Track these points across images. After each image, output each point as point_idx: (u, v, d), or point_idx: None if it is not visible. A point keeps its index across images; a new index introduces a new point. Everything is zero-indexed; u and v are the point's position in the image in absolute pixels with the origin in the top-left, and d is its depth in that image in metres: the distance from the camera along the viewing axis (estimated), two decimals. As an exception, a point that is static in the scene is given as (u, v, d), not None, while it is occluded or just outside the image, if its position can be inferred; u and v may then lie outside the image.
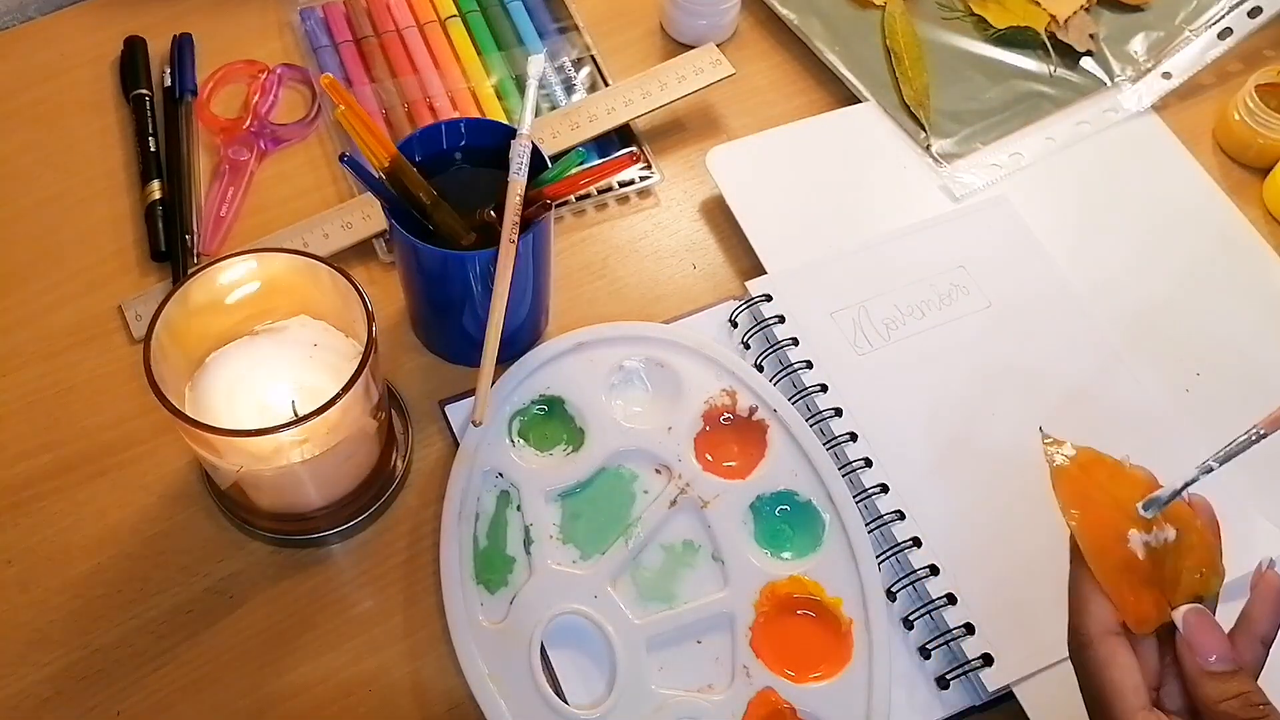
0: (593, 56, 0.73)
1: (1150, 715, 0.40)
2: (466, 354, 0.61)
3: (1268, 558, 0.43)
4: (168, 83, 0.70)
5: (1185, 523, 0.44)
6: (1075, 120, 0.72)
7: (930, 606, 0.54)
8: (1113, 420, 0.60)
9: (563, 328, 0.62)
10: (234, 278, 0.51)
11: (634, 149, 0.69)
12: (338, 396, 0.47)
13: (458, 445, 0.58)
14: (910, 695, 0.53)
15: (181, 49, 0.71)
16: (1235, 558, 0.44)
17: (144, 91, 0.69)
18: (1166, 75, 0.73)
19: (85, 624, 0.54)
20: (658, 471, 0.58)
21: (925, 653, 0.54)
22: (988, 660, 0.53)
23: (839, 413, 0.59)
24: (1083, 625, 0.43)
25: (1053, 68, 0.74)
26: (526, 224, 0.53)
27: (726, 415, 0.60)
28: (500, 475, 0.57)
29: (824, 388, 0.60)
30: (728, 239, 0.67)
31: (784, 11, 0.75)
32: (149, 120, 0.68)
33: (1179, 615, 0.42)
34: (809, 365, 0.61)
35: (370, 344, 0.49)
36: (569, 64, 0.72)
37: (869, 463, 0.58)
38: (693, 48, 0.72)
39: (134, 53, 0.71)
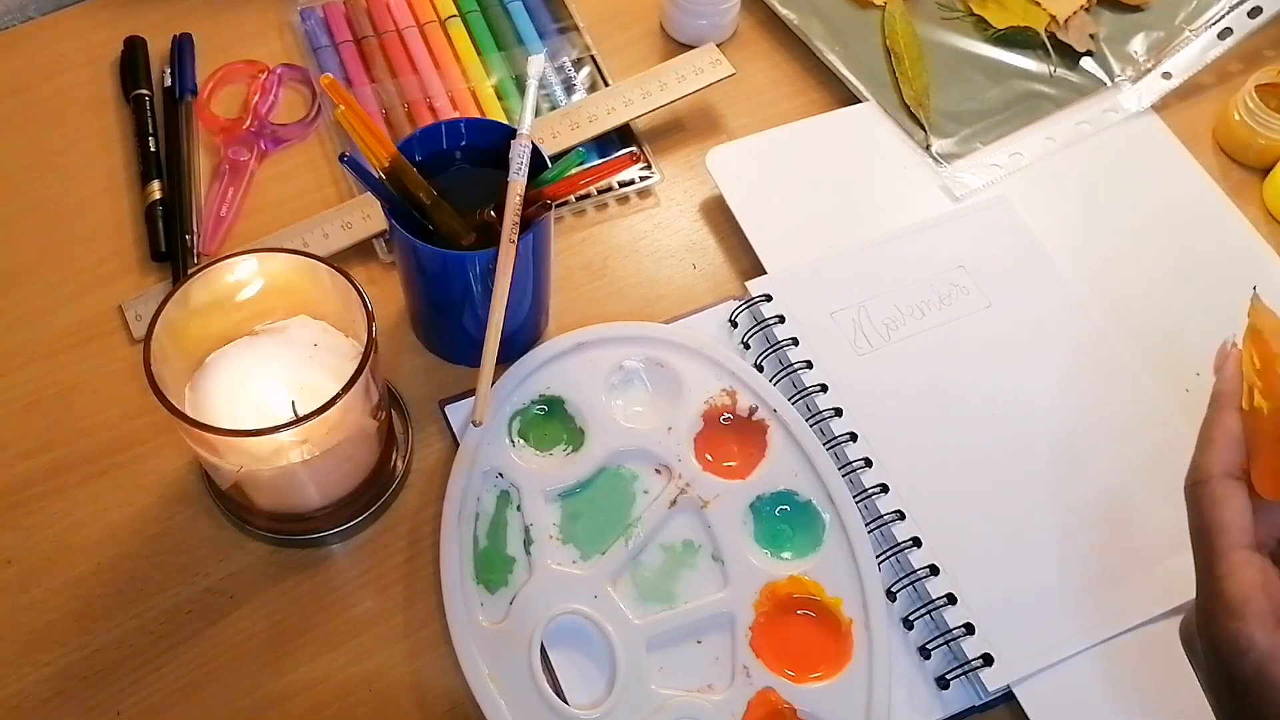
0: (593, 56, 0.73)
1: (1250, 554, 0.41)
2: (466, 354, 0.61)
3: None
4: (168, 83, 0.70)
5: None
6: (1075, 120, 0.72)
7: (930, 606, 0.54)
8: (1113, 420, 0.60)
9: (563, 328, 0.62)
10: (234, 278, 0.51)
11: (634, 149, 0.69)
12: (338, 396, 0.47)
13: (458, 445, 0.58)
14: (910, 695, 0.53)
15: (181, 49, 0.71)
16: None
17: (144, 91, 0.69)
18: (1166, 75, 0.73)
19: (85, 624, 0.54)
20: (658, 471, 0.58)
21: (925, 653, 0.54)
22: (988, 660, 0.53)
23: (839, 413, 0.59)
24: (1206, 463, 0.44)
25: (1053, 68, 0.74)
26: (526, 224, 0.53)
27: (726, 415, 0.60)
28: (500, 475, 0.57)
29: (824, 388, 0.60)
30: (728, 239, 0.67)
31: (784, 11, 0.75)
32: (149, 120, 0.68)
33: None
34: (809, 365, 0.61)
35: (370, 344, 0.49)
36: (569, 64, 0.72)
37: (869, 463, 0.58)
38: (693, 48, 0.72)
39: (134, 53, 0.71)
